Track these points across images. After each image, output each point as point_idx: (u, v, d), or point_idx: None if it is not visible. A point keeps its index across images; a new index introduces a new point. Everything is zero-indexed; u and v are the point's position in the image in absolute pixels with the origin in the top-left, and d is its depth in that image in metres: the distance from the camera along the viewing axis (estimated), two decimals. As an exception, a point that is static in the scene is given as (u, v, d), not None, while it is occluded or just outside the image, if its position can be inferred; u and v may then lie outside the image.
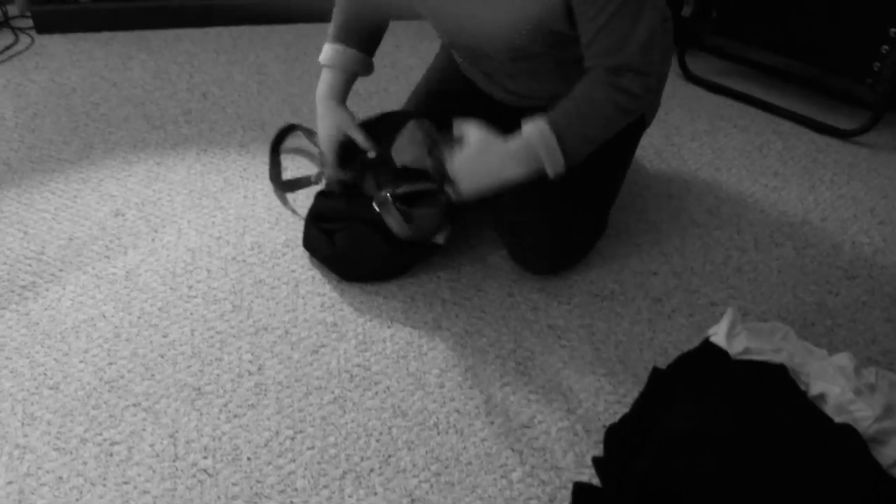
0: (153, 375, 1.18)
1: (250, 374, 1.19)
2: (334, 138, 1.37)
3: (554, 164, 1.16)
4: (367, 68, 1.40)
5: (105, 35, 2.06)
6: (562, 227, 1.33)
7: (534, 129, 1.16)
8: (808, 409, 1.14)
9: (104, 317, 1.27)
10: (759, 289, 1.39)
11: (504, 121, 1.25)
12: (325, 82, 1.38)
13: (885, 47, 1.74)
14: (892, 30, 1.72)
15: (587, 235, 1.39)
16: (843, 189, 1.67)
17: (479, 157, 1.18)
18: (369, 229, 1.32)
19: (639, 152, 1.72)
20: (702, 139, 1.79)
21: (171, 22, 2.10)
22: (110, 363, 1.19)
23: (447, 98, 1.48)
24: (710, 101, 1.94)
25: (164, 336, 1.24)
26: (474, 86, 1.47)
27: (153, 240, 1.41)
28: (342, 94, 1.39)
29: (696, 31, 2.05)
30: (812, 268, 1.45)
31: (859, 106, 1.90)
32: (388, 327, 1.27)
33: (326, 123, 1.37)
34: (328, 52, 1.37)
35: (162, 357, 1.21)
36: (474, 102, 1.45)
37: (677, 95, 1.97)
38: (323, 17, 1.42)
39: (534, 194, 1.30)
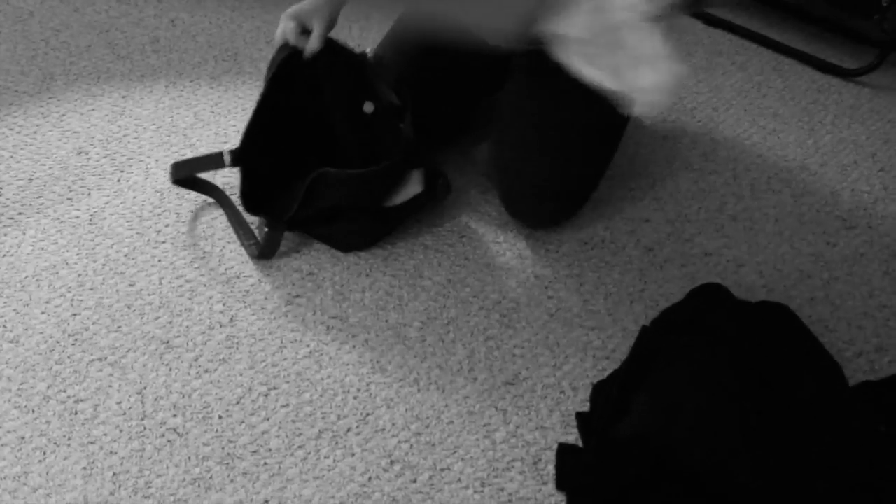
0: (119, 327, 1.12)
1: (221, 325, 1.13)
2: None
3: None
4: None
5: (66, -45, 1.93)
6: (565, 176, 1.26)
7: None
8: (817, 359, 1.10)
9: (67, 264, 1.20)
10: (754, 238, 1.34)
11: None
12: None
13: (895, -20, 1.65)
14: (903, -38, 1.63)
15: (588, 183, 1.31)
16: (843, 133, 1.60)
17: None
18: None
19: (633, 90, 1.64)
20: (699, 76, 1.71)
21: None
22: (74, 314, 1.13)
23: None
24: (708, 35, 1.85)
25: (131, 285, 1.17)
26: None
27: (119, 180, 1.33)
28: None
29: (695, -41, 1.94)
30: (810, 216, 1.39)
31: (864, 44, 1.81)
32: (367, 276, 1.21)
33: (313, 6, 1.21)
34: None
35: (129, 308, 1.14)
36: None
37: (673, 29, 1.88)
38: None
39: (536, 138, 1.23)
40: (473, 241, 1.28)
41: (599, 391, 1.09)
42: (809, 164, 1.51)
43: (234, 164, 1.24)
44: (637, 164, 1.46)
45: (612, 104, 1.24)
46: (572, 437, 1.04)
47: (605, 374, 1.10)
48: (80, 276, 1.18)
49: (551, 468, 1.00)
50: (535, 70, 1.23)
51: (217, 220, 1.27)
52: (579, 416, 1.06)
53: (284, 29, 1.20)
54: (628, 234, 1.32)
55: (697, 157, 1.49)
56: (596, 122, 1.25)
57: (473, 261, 1.24)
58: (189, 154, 1.37)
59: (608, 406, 1.06)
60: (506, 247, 1.27)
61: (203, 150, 1.39)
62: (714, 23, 1.88)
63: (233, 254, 1.22)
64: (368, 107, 1.26)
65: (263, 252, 1.20)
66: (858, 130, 1.61)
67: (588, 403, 1.08)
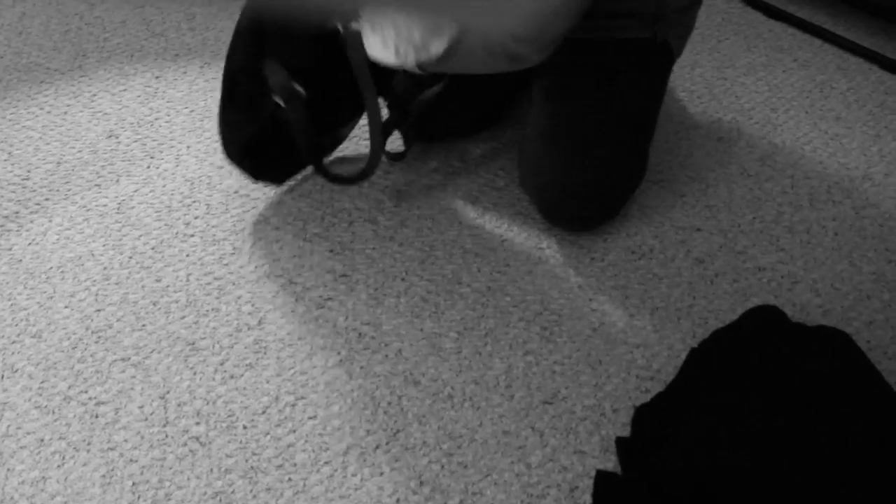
0: (144, 326, 1.08)
1: (249, 328, 1.09)
2: None
3: None
4: None
5: (103, -76, 1.87)
6: (599, 172, 1.19)
7: None
8: (876, 395, 1.03)
9: (93, 255, 1.16)
10: (811, 253, 1.26)
11: None
12: None
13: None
14: None
15: (624, 185, 1.24)
16: (911, 139, 1.51)
17: None
18: None
19: (688, 86, 1.56)
20: (757, 73, 1.62)
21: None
22: (98, 310, 1.09)
23: None
24: (769, 29, 1.75)
25: (158, 280, 1.13)
26: None
27: (148, 167, 1.29)
28: None
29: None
30: (871, 231, 1.31)
31: (936, 42, 1.71)
32: (403, 280, 1.15)
33: None
34: None
35: (154, 305, 1.10)
36: None
37: (732, 21, 1.78)
38: None
39: (566, 137, 1.17)
40: (515, 245, 1.22)
41: (643, 415, 1.03)
42: (873, 173, 1.42)
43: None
44: (689, 168, 1.38)
45: (636, 93, 1.17)
46: (611, 463, 0.98)
47: (649, 396, 1.04)
48: (105, 269, 1.14)
49: (588, 497, 0.95)
50: (556, 69, 1.17)
51: (249, 212, 1.22)
52: (619, 441, 1.01)
53: None
54: (678, 243, 1.25)
55: (754, 161, 1.41)
56: (625, 114, 1.19)
57: (514, 267, 1.18)
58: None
59: (651, 432, 1.00)
60: (549, 253, 1.21)
61: (236, 138, 1.34)
62: (776, 15, 1.79)
63: (263, 251, 1.18)
64: None
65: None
66: (927, 137, 1.52)
67: (629, 427, 1.02)
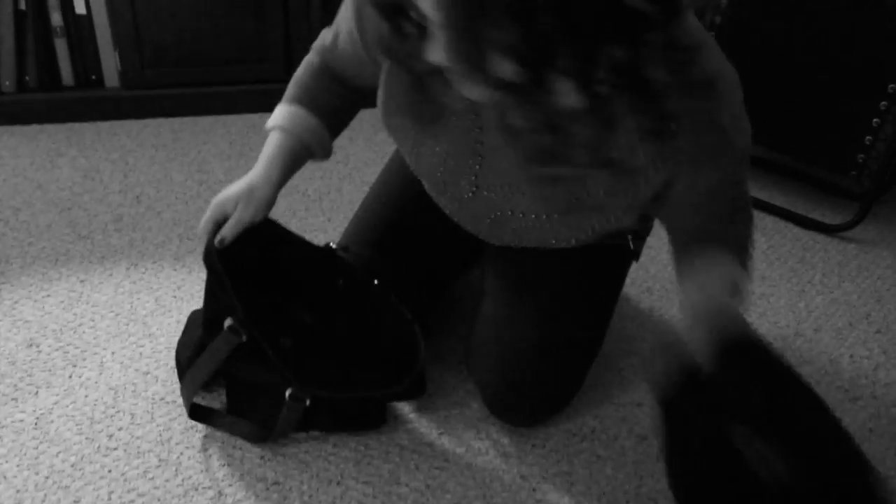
0: (58, 556, 0.99)
1: (175, 549, 1.01)
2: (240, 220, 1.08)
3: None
4: (323, 150, 1.15)
5: (34, 128, 1.90)
6: (547, 379, 1.17)
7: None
8: None
9: (5, 478, 1.08)
10: (754, 418, 1.25)
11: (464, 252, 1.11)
12: (267, 148, 1.12)
13: (869, 138, 1.64)
14: (875, 120, 1.62)
15: (574, 384, 1.22)
16: (834, 293, 1.55)
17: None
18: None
19: (615, 256, 1.59)
20: (681, 238, 1.67)
21: (106, 114, 1.94)
22: (8, 541, 1.01)
23: (402, 230, 1.27)
24: (687, 194, 1.83)
25: (76, 502, 1.06)
26: (438, 211, 1.20)
27: (70, 376, 1.24)
28: (282, 173, 1.11)
29: (668, 117, 1.94)
30: (810, 390, 1.31)
31: (846, 198, 1.80)
32: (338, 484, 1.10)
33: (238, 191, 1.09)
34: (281, 113, 1.13)
35: (70, 530, 1.03)
36: (436, 234, 1.24)
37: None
38: (273, 106, 1.16)
39: (515, 345, 1.16)
40: (453, 438, 1.18)
41: None
42: (803, 329, 1.44)
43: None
44: (624, 340, 1.38)
45: (593, 298, 1.19)
46: None
47: None
48: (18, 492, 1.06)
49: None
50: (507, 254, 1.18)
51: (175, 420, 1.17)
52: None
53: (203, 220, 1.10)
54: (619, 421, 1.23)
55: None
56: (580, 322, 1.19)
57: (454, 462, 1.14)
58: (147, 344, 1.29)
59: None
60: (488, 444, 1.17)
61: (163, 340, 1.30)
62: (692, 180, 1.87)
63: (191, 461, 1.12)
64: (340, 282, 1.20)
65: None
66: (849, 289, 1.56)
67: None
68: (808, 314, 1.49)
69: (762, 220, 1.74)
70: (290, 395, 1.09)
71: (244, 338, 1.06)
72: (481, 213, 1.09)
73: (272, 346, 1.07)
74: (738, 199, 1.06)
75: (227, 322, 1.06)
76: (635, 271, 1.55)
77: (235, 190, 1.09)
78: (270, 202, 1.11)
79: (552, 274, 1.18)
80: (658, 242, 1.65)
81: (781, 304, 1.51)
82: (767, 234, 1.70)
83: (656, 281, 1.54)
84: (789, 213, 1.76)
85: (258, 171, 1.11)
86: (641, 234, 1.24)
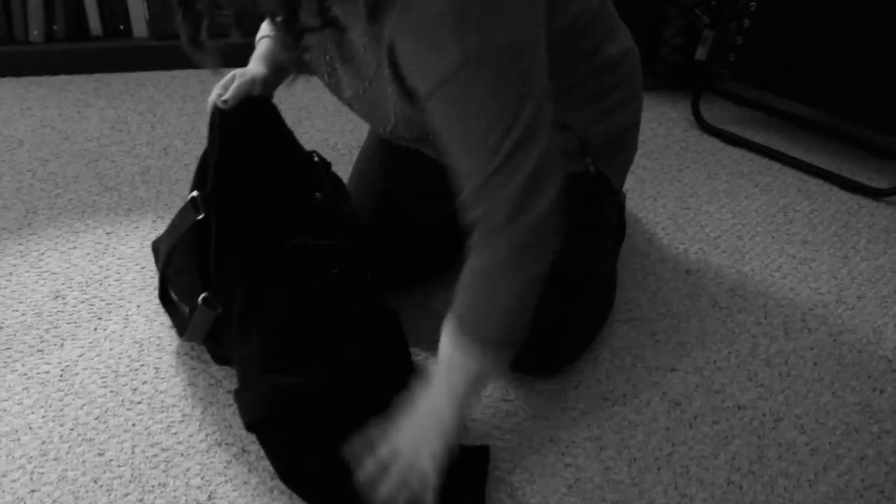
0: (82, 507, 0.99)
1: (198, 503, 1.00)
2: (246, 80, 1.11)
3: (495, 364, 0.93)
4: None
5: (62, 79, 1.88)
6: (549, 323, 1.13)
7: (448, 350, 0.94)
8: None
9: (31, 429, 1.08)
10: (792, 386, 1.21)
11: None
12: (256, 51, 1.16)
13: (923, 98, 1.57)
14: (932, 79, 1.54)
15: (582, 327, 1.20)
16: (879, 259, 1.49)
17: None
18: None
19: (651, 217, 1.54)
20: (720, 200, 1.61)
21: (134, 65, 1.92)
22: (32, 490, 1.00)
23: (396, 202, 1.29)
24: (728, 155, 1.76)
25: (100, 454, 1.05)
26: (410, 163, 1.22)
27: (95, 329, 1.23)
28: (272, 61, 1.14)
29: (711, 75, 1.87)
30: (851, 358, 1.27)
31: (893, 160, 1.72)
32: (363, 442, 1.08)
33: (232, 73, 1.12)
34: (267, 26, 1.17)
35: (95, 482, 1.02)
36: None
37: (691, 148, 1.79)
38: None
39: None
40: (482, 399, 1.15)
41: None
42: (846, 296, 1.39)
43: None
44: (658, 303, 1.34)
45: (580, 227, 1.14)
46: None
47: (634, 561, 0.96)
48: (44, 443, 1.06)
49: None
50: None
51: (200, 375, 1.16)
52: None
53: (210, 98, 1.13)
54: (652, 386, 1.19)
55: (724, 293, 1.37)
56: (571, 260, 1.13)
57: (482, 422, 1.12)
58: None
59: None
60: (518, 405, 1.15)
61: (188, 294, 1.29)
62: (733, 141, 1.80)
63: (214, 417, 1.10)
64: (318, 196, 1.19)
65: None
66: (895, 256, 1.50)
67: None
68: (851, 281, 1.43)
69: (805, 183, 1.68)
70: (203, 300, 1.09)
71: (201, 215, 1.07)
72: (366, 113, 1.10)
73: (219, 238, 1.07)
74: (494, 131, 0.83)
75: (193, 194, 1.08)
76: (672, 233, 1.50)
77: (229, 73, 1.12)
78: (267, 80, 1.13)
79: None
80: (697, 202, 1.60)
81: (823, 269, 1.45)
82: (811, 197, 1.64)
83: (693, 242, 1.49)
84: (834, 176, 1.69)
85: (250, 63, 1.15)
86: (605, 159, 1.16)
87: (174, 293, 1.19)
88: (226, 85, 1.12)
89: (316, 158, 1.22)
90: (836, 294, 1.40)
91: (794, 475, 1.08)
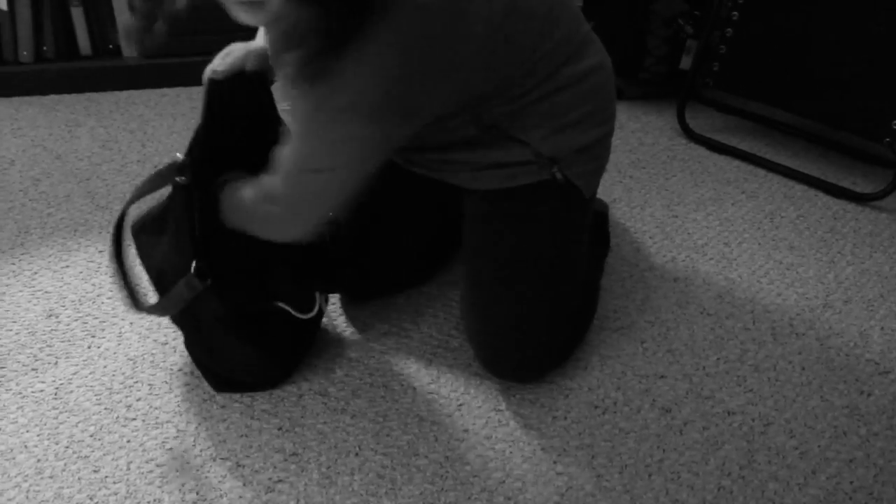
0: (78, 525, 1.00)
1: (194, 519, 1.01)
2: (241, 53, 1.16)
3: None
4: None
5: (52, 99, 1.89)
6: (522, 321, 1.16)
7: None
8: None
9: (26, 447, 1.08)
10: (780, 391, 1.22)
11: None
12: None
13: (905, 103, 1.59)
14: (912, 85, 1.57)
15: (558, 329, 1.21)
16: (865, 263, 1.50)
17: None
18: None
19: (639, 226, 1.56)
20: (708, 208, 1.63)
21: (124, 83, 1.93)
22: (28, 509, 1.01)
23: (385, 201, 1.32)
24: (714, 163, 1.78)
25: (95, 471, 1.06)
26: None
27: (89, 347, 1.24)
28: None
29: (695, 84, 1.90)
30: (839, 362, 1.28)
31: (878, 165, 1.74)
32: (357, 455, 1.09)
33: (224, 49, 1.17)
34: None
35: (91, 499, 1.02)
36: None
37: (677, 157, 1.81)
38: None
39: (484, 299, 1.17)
40: (473, 409, 1.16)
41: None
42: (833, 301, 1.41)
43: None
44: (647, 311, 1.35)
45: (548, 233, 1.16)
46: None
47: (626, 567, 0.97)
48: (39, 461, 1.07)
49: None
50: (473, 222, 1.20)
51: (194, 391, 1.17)
52: None
53: (206, 70, 1.16)
54: (642, 393, 1.20)
55: (712, 299, 1.39)
56: (541, 270, 1.17)
57: (473, 433, 1.13)
58: (164, 321, 1.28)
59: None
60: (509, 415, 1.16)
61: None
62: (720, 149, 1.82)
63: (209, 432, 1.11)
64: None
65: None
66: (881, 260, 1.52)
67: None
68: (837, 285, 1.45)
69: (791, 188, 1.70)
70: (196, 269, 1.09)
71: (180, 179, 1.08)
72: None
73: (200, 202, 1.08)
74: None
75: (176, 155, 1.10)
76: (660, 241, 1.52)
77: (235, 49, 1.16)
78: (262, 54, 1.15)
79: (506, 235, 1.17)
80: (684, 210, 1.62)
81: (810, 274, 1.47)
82: (796, 203, 1.66)
83: (681, 250, 1.50)
84: (819, 182, 1.71)
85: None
86: (573, 168, 1.16)
87: (140, 257, 1.19)
88: (224, 56, 1.15)
89: None
90: (822, 298, 1.41)
91: (783, 479, 1.09)
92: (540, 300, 1.17)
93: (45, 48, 1.88)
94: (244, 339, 1.14)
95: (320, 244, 1.19)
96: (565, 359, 1.24)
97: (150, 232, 1.19)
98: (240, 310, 1.13)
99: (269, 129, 1.18)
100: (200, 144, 1.10)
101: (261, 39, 1.18)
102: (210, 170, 1.11)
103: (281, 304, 1.15)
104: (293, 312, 1.16)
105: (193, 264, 1.08)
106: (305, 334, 1.23)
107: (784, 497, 1.06)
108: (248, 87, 1.15)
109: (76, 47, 1.91)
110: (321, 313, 1.23)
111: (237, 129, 1.15)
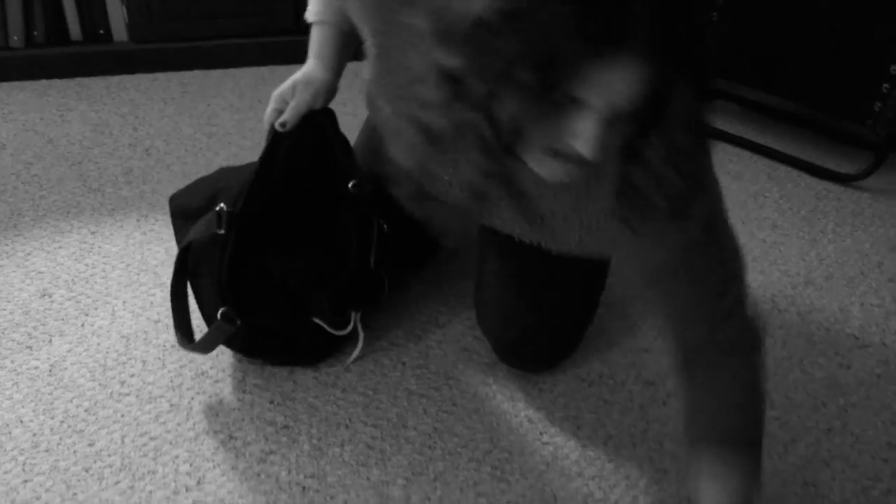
0: (75, 495, 1.01)
1: (188, 489, 1.03)
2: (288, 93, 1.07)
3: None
4: None
5: (43, 84, 1.90)
6: (548, 335, 1.17)
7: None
8: None
9: (21, 422, 1.10)
10: (762, 364, 1.25)
11: None
12: (312, 43, 1.09)
13: (886, 86, 1.61)
14: (894, 67, 1.59)
15: (576, 334, 1.22)
16: (846, 241, 1.53)
17: None
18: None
19: (624, 206, 1.58)
20: (692, 188, 1.65)
21: (114, 68, 1.94)
22: (25, 481, 1.03)
23: None
24: (699, 144, 1.80)
25: (90, 445, 1.08)
26: None
27: (83, 325, 1.25)
28: (334, 58, 1.08)
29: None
30: (820, 336, 1.31)
31: (860, 147, 1.77)
32: (347, 427, 1.11)
33: (294, 79, 1.08)
34: (315, 7, 1.09)
35: (86, 471, 1.04)
36: None
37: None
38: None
39: (515, 306, 1.16)
40: (461, 383, 1.19)
41: None
42: (814, 277, 1.44)
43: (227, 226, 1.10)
44: (632, 289, 1.38)
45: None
46: None
47: (610, 532, 1.00)
48: (35, 435, 1.09)
49: None
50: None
51: (186, 367, 1.19)
52: None
53: (267, 112, 1.09)
54: (627, 367, 1.23)
55: (696, 276, 1.41)
56: (576, 268, 1.16)
57: (461, 406, 1.15)
58: (158, 294, 1.30)
59: None
60: (496, 388, 1.18)
61: (173, 289, 1.32)
62: (704, 130, 1.85)
63: (201, 405, 1.13)
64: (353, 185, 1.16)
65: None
66: (862, 238, 1.55)
67: (592, 569, 0.97)
68: (819, 262, 1.48)
69: (775, 169, 1.73)
70: (222, 315, 1.09)
71: (221, 230, 1.07)
72: None
73: (233, 258, 1.08)
74: (720, 287, 0.90)
75: (220, 205, 1.07)
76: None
77: (292, 79, 1.07)
78: (330, 87, 1.09)
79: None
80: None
81: (793, 252, 1.50)
82: (780, 183, 1.68)
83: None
84: (802, 162, 1.74)
85: (310, 62, 1.09)
86: None
87: (193, 292, 1.18)
88: (285, 96, 1.07)
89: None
90: (804, 276, 1.44)
91: (764, 448, 1.11)
92: (572, 300, 1.18)
93: (35, 33, 1.89)
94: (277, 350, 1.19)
95: (362, 269, 1.17)
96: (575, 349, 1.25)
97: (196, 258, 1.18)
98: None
99: (330, 160, 1.14)
100: (250, 200, 1.08)
101: (317, 67, 1.09)
102: (254, 222, 1.09)
103: (316, 321, 1.17)
104: (328, 329, 1.18)
105: (221, 311, 1.09)
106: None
107: (764, 464, 1.09)
108: (316, 128, 1.11)
109: (66, 32, 1.92)
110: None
111: (294, 173, 1.11)
